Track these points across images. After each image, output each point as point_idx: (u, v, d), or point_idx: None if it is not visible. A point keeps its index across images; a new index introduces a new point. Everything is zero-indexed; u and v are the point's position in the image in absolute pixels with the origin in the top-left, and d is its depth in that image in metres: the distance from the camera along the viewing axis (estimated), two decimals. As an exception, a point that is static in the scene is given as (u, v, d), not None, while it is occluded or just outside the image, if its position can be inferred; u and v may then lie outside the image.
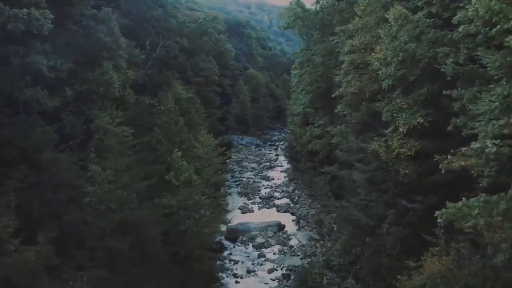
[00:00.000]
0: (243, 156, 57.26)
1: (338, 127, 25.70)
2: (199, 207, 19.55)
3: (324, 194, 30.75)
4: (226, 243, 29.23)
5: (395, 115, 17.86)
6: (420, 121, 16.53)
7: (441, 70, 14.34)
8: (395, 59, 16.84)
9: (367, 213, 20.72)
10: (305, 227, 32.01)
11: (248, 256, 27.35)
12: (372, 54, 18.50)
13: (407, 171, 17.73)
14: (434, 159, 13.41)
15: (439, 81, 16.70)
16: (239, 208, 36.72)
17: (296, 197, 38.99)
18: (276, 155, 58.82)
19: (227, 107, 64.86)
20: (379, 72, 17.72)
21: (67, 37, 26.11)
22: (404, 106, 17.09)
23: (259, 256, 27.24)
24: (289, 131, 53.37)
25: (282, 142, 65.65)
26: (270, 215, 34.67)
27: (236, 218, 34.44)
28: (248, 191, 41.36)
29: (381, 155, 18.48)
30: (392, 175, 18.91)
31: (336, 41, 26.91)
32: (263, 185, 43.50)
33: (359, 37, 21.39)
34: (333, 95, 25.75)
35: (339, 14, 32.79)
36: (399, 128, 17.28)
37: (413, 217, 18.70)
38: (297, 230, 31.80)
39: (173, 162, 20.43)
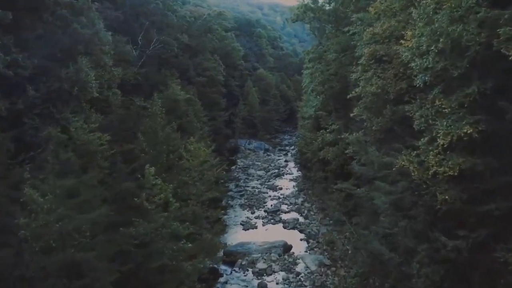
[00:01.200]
0: (250, 163, 53.13)
1: (354, 134, 21.42)
2: (177, 237, 15.50)
3: (337, 219, 26.32)
4: (222, 268, 25.11)
5: (431, 122, 13.58)
6: (468, 131, 12.22)
7: (510, 58, 9.98)
8: (433, 47, 12.55)
9: (392, 246, 16.39)
10: (315, 249, 27.69)
11: (247, 286, 23.20)
12: (401, 41, 14.21)
13: (446, 197, 13.41)
14: None
15: (494, 76, 12.43)
16: (241, 224, 32.60)
17: (306, 211, 34.68)
18: (286, 161, 54.50)
19: (234, 109, 61.07)
20: (412, 64, 13.42)
21: (38, 29, 22.62)
22: (446, 110, 12.77)
23: (260, 286, 23.05)
24: (299, 135, 49.10)
25: (292, 147, 61.31)
26: (275, 233, 30.46)
27: (237, 235, 30.47)
28: (253, 203, 37.19)
29: (412, 173, 14.22)
30: (425, 200, 14.58)
31: (353, 32, 22.55)
32: (270, 196, 39.28)
33: (382, 23, 17.11)
34: (348, 96, 21.53)
35: (354, 4, 28.53)
36: (438, 139, 12.99)
37: (452, 254, 14.36)
38: (305, 252, 27.51)
39: (146, 181, 16.42)
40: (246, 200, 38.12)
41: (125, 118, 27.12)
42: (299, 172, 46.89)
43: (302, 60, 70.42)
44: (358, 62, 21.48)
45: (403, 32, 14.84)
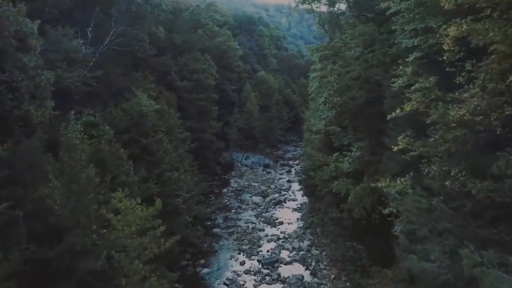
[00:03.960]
0: (246, 183, 44.25)
1: (398, 181, 12.53)
2: None
3: None
4: None
5: None
6: None
7: None
8: None
9: None
10: (328, 335, 18.95)
11: None
12: None
13: None
14: None
15: None
16: (224, 283, 23.78)
17: (313, 263, 25.80)
18: (289, 181, 45.49)
19: (230, 118, 52.51)
20: None
21: None
22: None
23: None
24: (306, 153, 40.18)
25: (297, 162, 52.44)
26: (271, 301, 21.76)
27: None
28: (244, 247, 28.36)
29: None
30: None
31: (395, 10, 13.58)
32: (267, 236, 30.39)
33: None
34: (389, 117, 12.78)
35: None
36: None
37: None
38: None
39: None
40: (235, 242, 29.30)
41: (50, 144, 18.55)
42: (304, 197, 38.06)
43: (309, 62, 61.78)
44: (406, 59, 12.85)
45: None
